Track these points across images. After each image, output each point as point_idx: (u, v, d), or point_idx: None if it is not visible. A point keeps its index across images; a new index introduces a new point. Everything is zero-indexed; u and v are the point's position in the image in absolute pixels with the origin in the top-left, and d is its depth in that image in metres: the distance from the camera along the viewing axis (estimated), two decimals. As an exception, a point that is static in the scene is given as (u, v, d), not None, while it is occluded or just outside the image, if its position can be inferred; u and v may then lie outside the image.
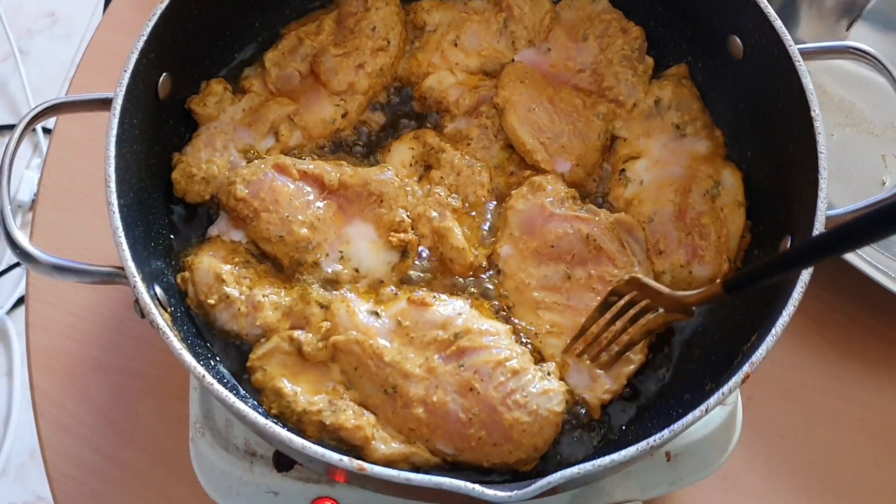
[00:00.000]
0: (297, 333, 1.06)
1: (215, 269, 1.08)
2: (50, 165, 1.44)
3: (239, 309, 1.07)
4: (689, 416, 0.89)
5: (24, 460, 2.45)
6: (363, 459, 0.95)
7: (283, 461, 1.09)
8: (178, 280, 1.10)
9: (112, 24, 1.59)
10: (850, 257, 1.28)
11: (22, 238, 0.97)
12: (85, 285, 1.31)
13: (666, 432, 0.88)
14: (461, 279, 1.13)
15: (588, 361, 1.08)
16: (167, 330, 0.92)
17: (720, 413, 1.14)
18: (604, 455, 0.87)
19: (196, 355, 1.02)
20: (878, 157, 1.48)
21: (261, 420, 0.88)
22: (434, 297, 1.08)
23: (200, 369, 0.90)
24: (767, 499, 1.27)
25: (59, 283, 1.31)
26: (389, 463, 0.98)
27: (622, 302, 1.03)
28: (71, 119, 1.44)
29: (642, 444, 0.87)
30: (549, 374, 1.04)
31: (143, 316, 0.95)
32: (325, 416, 1.00)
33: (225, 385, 0.92)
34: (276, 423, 0.92)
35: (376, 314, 1.06)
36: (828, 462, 1.30)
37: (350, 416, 1.01)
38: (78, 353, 1.31)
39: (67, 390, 1.29)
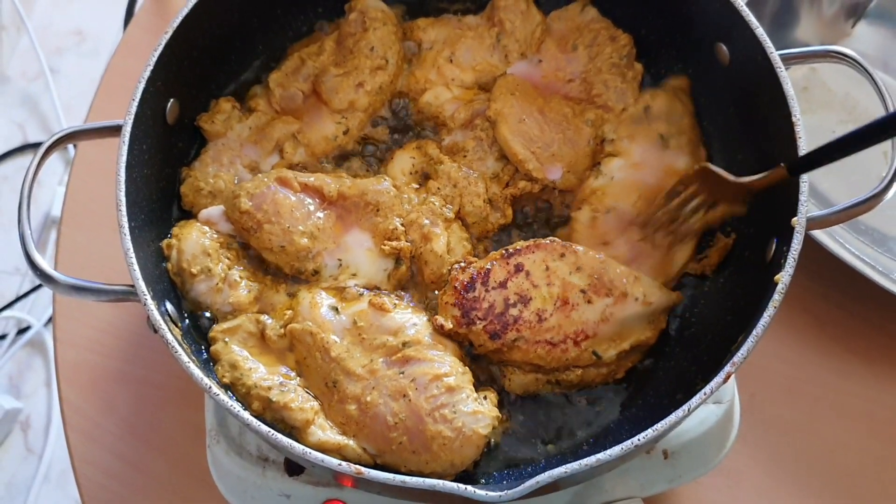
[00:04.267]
0: (263, 317, 1.13)
1: (202, 241, 1.15)
2: (73, 187, 1.51)
3: (217, 284, 1.13)
4: (672, 417, 0.92)
5: (65, 467, 2.53)
6: (299, 442, 0.99)
7: (294, 466, 1.14)
8: (164, 245, 1.15)
9: (129, 48, 1.65)
10: (849, 257, 1.30)
11: (41, 260, 1.03)
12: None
13: (649, 432, 0.91)
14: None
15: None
16: (176, 345, 0.98)
17: (716, 411, 1.16)
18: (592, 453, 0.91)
19: (204, 366, 1.08)
20: (879, 154, 1.49)
21: (263, 428, 0.93)
22: (395, 303, 1.13)
23: (207, 381, 0.96)
24: (771, 494, 1.30)
25: (83, 300, 1.38)
26: (322, 450, 1.01)
27: (688, 192, 1.14)
28: (90, 143, 1.50)
29: (627, 444, 0.91)
30: (484, 398, 1.08)
31: (155, 331, 1.00)
32: (274, 393, 1.06)
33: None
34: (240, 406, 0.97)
35: (336, 310, 1.11)
36: (831, 457, 1.32)
37: (297, 398, 1.06)
38: (103, 366, 1.38)
39: (93, 402, 1.35)
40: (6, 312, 2.68)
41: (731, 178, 1.11)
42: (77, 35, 3.22)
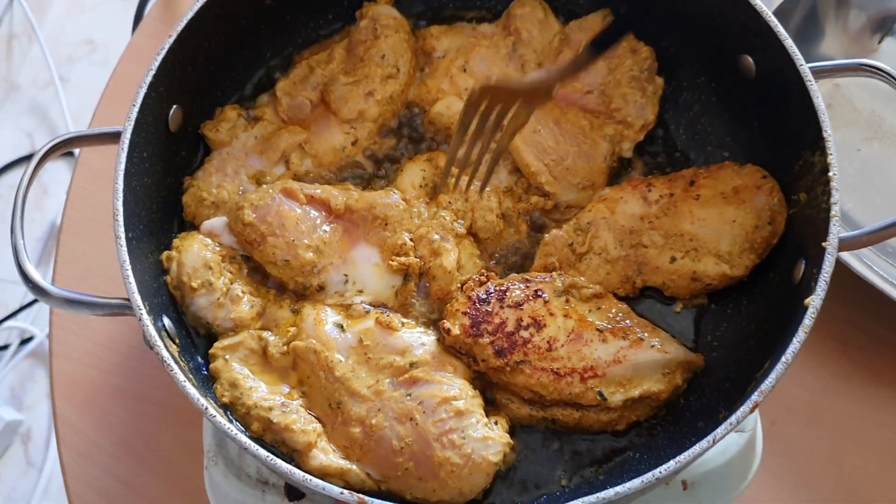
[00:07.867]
0: (265, 333, 1.09)
1: (204, 254, 1.10)
2: (73, 196, 1.47)
3: (218, 299, 1.09)
4: (696, 448, 0.87)
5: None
6: (300, 465, 0.96)
7: (294, 490, 1.09)
8: (163, 258, 1.11)
9: (135, 55, 1.62)
10: (876, 280, 1.25)
11: (34, 273, 0.99)
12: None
13: (671, 464, 0.87)
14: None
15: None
16: (172, 362, 0.93)
17: (737, 440, 1.11)
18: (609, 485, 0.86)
19: (203, 384, 1.03)
20: (905, 173, 1.44)
21: (262, 452, 0.89)
22: (403, 322, 1.08)
23: (203, 401, 0.91)
24: (793, 527, 1.24)
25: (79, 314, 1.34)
26: (324, 475, 0.97)
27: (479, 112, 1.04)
28: (93, 149, 1.46)
29: (647, 476, 0.86)
30: (495, 423, 1.03)
31: (151, 347, 0.96)
32: (275, 414, 1.01)
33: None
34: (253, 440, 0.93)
35: (341, 328, 1.07)
36: (855, 488, 1.26)
37: (299, 419, 1.02)
38: (99, 381, 1.33)
39: (89, 418, 1.31)
40: (9, 322, 2.64)
41: (517, 83, 1.06)
42: (88, 44, 3.20)
